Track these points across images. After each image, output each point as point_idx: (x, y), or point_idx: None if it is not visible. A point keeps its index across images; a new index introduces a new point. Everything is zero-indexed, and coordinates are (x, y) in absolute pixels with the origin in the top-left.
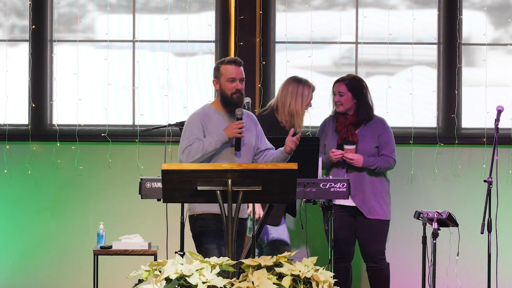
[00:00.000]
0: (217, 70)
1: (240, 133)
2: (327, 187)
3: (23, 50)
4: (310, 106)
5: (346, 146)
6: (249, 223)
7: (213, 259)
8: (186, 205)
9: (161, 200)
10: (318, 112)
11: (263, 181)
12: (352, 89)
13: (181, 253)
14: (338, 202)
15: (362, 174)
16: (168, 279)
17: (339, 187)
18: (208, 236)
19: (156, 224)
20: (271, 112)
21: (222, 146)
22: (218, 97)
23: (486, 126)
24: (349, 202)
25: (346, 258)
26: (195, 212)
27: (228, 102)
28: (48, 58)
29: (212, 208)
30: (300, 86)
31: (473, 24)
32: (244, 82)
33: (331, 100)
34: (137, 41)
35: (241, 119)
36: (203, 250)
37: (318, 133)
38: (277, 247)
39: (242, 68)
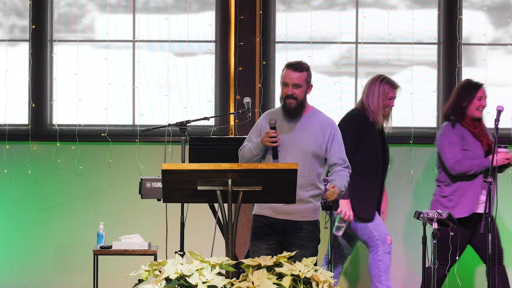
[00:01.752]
0: (282, 73)
1: (274, 142)
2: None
3: (23, 50)
4: (392, 105)
5: (500, 150)
6: (337, 221)
7: (213, 259)
8: (186, 205)
9: (161, 200)
10: None
11: (263, 181)
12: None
13: (181, 253)
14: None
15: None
16: (168, 279)
17: None
18: (252, 236)
19: (156, 224)
20: (361, 110)
21: (267, 152)
22: None
23: (486, 126)
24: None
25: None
26: (254, 212)
27: (283, 106)
28: (48, 58)
29: (262, 209)
30: (380, 84)
31: (473, 24)
32: (302, 88)
33: (471, 105)
34: (137, 41)
35: (274, 128)
36: (250, 249)
37: (453, 141)
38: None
39: (303, 73)
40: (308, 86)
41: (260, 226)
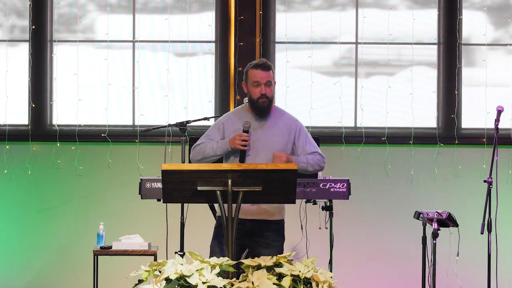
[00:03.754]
0: (245, 74)
1: (244, 146)
2: (327, 187)
3: (23, 50)
4: None
5: None
6: None
7: (213, 259)
8: (186, 205)
9: (161, 200)
10: (318, 113)
11: (263, 181)
12: None
13: (181, 253)
14: None
15: None
16: (168, 279)
17: (339, 187)
18: (215, 238)
19: (156, 224)
20: None
21: (232, 155)
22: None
23: (486, 126)
24: None
25: None
26: (218, 214)
27: (254, 107)
28: (48, 58)
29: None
30: None
31: (473, 24)
32: (272, 86)
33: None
34: (137, 41)
35: (247, 131)
36: (210, 250)
37: None
38: None
39: (270, 71)
40: (274, 84)
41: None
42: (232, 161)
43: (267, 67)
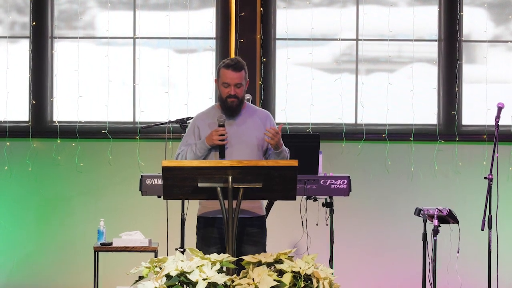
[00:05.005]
0: (218, 71)
1: (222, 140)
2: (327, 184)
3: (24, 47)
4: None
5: None
6: None
7: (214, 256)
8: (186, 202)
9: (162, 197)
10: (318, 109)
11: (264, 178)
12: None
13: (182, 249)
14: None
15: None
16: (168, 276)
17: (340, 184)
18: (199, 240)
19: (156, 221)
20: None
21: (211, 151)
22: None
23: (486, 123)
24: None
25: None
26: (198, 214)
27: (223, 105)
28: (48, 54)
29: (207, 211)
30: None
31: (474, 21)
32: (242, 86)
33: None
34: (137, 38)
35: (223, 125)
36: None
37: None
38: None
39: (242, 71)
40: (246, 83)
41: (206, 230)
42: (213, 157)
43: (239, 67)
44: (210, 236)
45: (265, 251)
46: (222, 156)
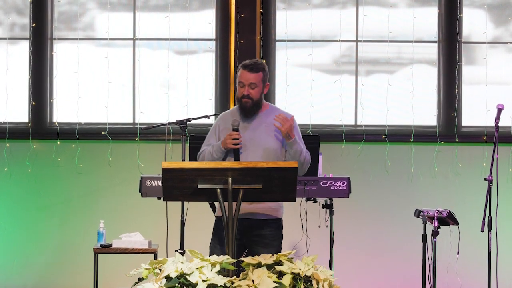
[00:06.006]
0: (237, 71)
1: (236, 144)
2: (327, 185)
3: (24, 48)
4: None
5: None
6: None
7: (213, 257)
8: (186, 203)
9: (161, 198)
10: (318, 111)
11: (264, 179)
12: None
13: (181, 251)
14: None
15: None
16: (168, 277)
17: (339, 185)
18: (214, 239)
19: (156, 222)
20: None
21: (228, 155)
22: None
23: (486, 124)
24: None
25: None
26: (216, 214)
27: (239, 105)
28: (48, 56)
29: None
30: None
31: (474, 22)
32: (258, 88)
33: None
34: (137, 39)
35: (237, 130)
36: (210, 251)
37: None
38: None
39: (259, 73)
40: (264, 85)
41: (223, 229)
42: (229, 161)
43: (255, 68)
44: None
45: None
46: (236, 159)
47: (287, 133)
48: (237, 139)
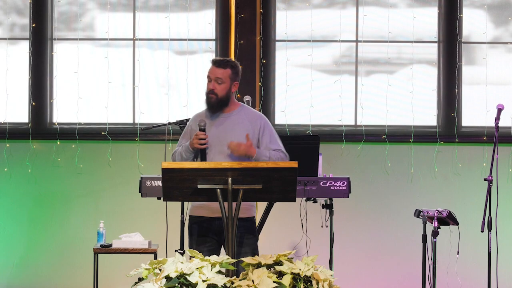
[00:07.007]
0: None
1: (202, 144)
2: (327, 185)
3: (23, 49)
4: None
5: None
6: None
7: (213, 258)
8: (186, 204)
9: (161, 198)
10: (318, 111)
11: (264, 179)
12: None
13: (181, 251)
14: None
15: None
16: (168, 278)
17: (339, 185)
18: (190, 239)
19: (156, 223)
20: None
21: (197, 154)
22: None
23: (486, 124)
24: None
25: None
26: (189, 213)
27: (205, 101)
28: (48, 56)
29: (197, 210)
30: None
31: (474, 22)
32: (224, 84)
33: None
34: (137, 39)
35: (204, 130)
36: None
37: None
38: None
39: (227, 69)
40: (232, 83)
41: (197, 228)
42: (198, 161)
43: (223, 64)
44: (200, 235)
45: (254, 253)
46: (203, 159)
47: (246, 154)
48: (204, 139)
